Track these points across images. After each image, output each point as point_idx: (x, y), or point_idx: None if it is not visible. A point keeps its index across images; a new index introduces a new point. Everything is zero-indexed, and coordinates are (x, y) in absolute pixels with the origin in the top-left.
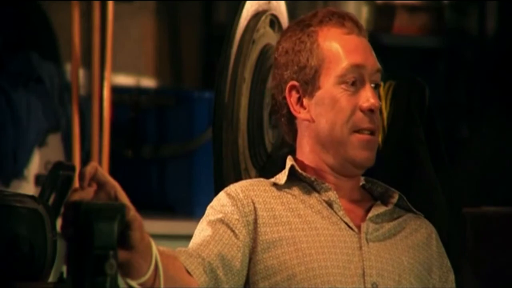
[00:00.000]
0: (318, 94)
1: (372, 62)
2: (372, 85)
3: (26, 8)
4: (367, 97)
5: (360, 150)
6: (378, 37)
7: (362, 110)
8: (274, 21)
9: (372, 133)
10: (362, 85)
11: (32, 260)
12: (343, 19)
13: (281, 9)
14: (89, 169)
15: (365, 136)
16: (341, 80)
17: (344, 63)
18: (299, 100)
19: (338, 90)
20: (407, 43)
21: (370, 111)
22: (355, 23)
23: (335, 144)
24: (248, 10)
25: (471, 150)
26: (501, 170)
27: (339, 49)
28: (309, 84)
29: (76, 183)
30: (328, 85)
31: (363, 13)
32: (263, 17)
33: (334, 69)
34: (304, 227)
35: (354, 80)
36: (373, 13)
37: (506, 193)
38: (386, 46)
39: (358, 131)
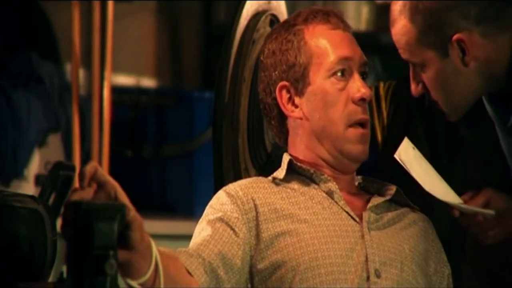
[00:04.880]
0: (309, 90)
1: (359, 54)
2: (361, 76)
3: (26, 8)
4: (357, 87)
5: (356, 144)
6: (378, 37)
7: (354, 101)
8: (274, 21)
9: (364, 126)
10: (351, 77)
11: (32, 260)
12: (327, 15)
13: (281, 9)
14: (89, 169)
15: (359, 131)
16: (330, 73)
17: (332, 57)
18: (290, 99)
19: (328, 84)
20: None
21: (362, 100)
22: (340, 19)
23: (330, 139)
24: (248, 10)
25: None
26: (501, 169)
27: (326, 44)
28: (299, 82)
29: (76, 183)
30: (319, 80)
31: (363, 13)
32: (263, 17)
33: (322, 64)
34: (306, 219)
35: (343, 72)
36: (373, 13)
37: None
38: (386, 46)
39: (352, 125)
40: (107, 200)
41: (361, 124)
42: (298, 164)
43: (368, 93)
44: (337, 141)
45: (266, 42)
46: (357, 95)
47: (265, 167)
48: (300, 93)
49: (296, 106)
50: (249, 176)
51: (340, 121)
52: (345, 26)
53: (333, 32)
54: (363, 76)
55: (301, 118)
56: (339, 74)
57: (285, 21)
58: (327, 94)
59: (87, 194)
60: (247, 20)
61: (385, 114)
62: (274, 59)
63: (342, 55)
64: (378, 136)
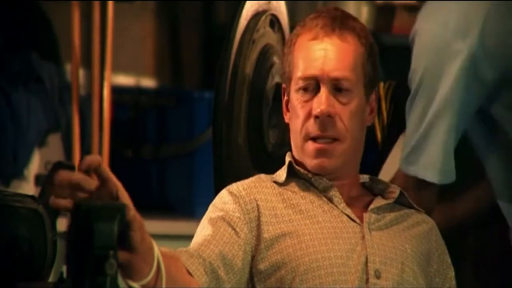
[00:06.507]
0: (290, 99)
1: (330, 69)
2: (333, 90)
3: (26, 8)
4: (318, 103)
5: (311, 158)
6: (378, 37)
7: (312, 117)
8: (274, 21)
9: (333, 140)
10: (317, 92)
11: (32, 260)
12: (317, 19)
13: (281, 9)
14: (94, 159)
15: (315, 145)
16: (297, 87)
17: (299, 73)
18: (288, 103)
19: (295, 97)
20: (407, 43)
21: (319, 117)
22: (335, 23)
23: (299, 149)
24: (248, 10)
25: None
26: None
27: (300, 57)
28: (287, 88)
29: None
30: (292, 92)
31: (363, 13)
32: (263, 17)
33: (294, 76)
34: (306, 222)
35: (305, 88)
36: (373, 13)
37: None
38: (386, 46)
39: (313, 139)
40: (108, 197)
41: (326, 138)
42: (297, 168)
43: (326, 110)
44: (300, 152)
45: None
46: (314, 112)
47: (265, 167)
48: (290, 99)
49: (288, 111)
50: (250, 176)
51: (299, 134)
52: (333, 33)
53: (311, 43)
54: (339, 89)
55: (288, 123)
56: (301, 89)
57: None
58: (294, 107)
59: (90, 183)
60: (247, 20)
61: (385, 114)
62: (282, 61)
63: (305, 74)
64: (378, 136)
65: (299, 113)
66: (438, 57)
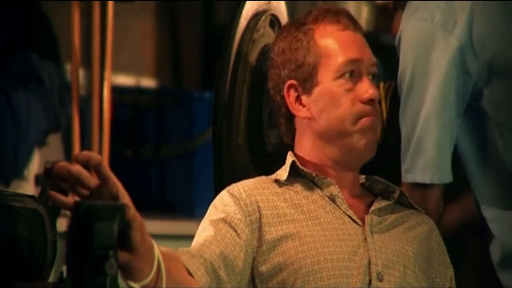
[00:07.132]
0: (317, 90)
1: (368, 55)
2: (370, 77)
3: (26, 8)
4: (365, 88)
5: (363, 135)
6: (378, 37)
7: (362, 102)
8: (274, 21)
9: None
10: (359, 78)
11: (32, 260)
12: (338, 15)
13: (281, 9)
14: (93, 156)
15: (369, 119)
16: (338, 74)
17: (341, 59)
18: (298, 99)
19: (336, 85)
20: None
21: (371, 101)
22: (350, 18)
23: (339, 136)
24: (248, 10)
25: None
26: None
27: (335, 45)
28: (307, 82)
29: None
30: (327, 80)
31: (363, 13)
32: (263, 17)
33: (331, 65)
34: (308, 223)
35: (351, 74)
36: (373, 13)
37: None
38: (386, 46)
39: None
40: (109, 197)
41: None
42: (300, 167)
43: (376, 93)
44: (346, 137)
45: (276, 40)
46: (365, 96)
47: (265, 167)
48: (308, 93)
49: (304, 106)
50: (250, 176)
51: (347, 118)
52: (356, 27)
53: (342, 32)
54: (373, 76)
55: (308, 118)
56: (347, 75)
57: (296, 20)
58: (335, 95)
59: (90, 179)
60: (247, 20)
61: (385, 114)
62: (283, 57)
63: (350, 57)
64: (378, 136)
65: (343, 100)
66: (427, 52)
